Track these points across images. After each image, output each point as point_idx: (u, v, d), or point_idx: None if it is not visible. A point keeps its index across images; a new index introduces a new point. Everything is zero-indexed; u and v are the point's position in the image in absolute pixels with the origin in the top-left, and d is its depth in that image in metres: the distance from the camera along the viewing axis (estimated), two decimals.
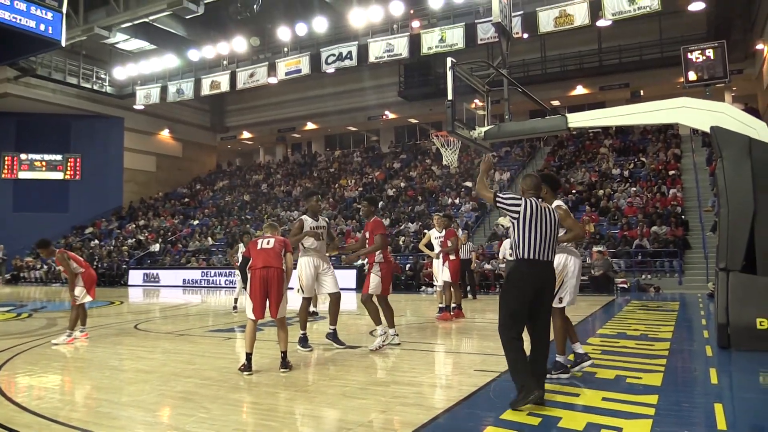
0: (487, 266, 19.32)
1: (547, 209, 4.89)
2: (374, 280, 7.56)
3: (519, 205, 4.79)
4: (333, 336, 7.76)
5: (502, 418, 4.34)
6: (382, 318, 7.53)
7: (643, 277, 18.00)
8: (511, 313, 4.67)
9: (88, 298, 8.87)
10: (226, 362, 6.91)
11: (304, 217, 7.72)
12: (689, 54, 9.26)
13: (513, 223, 4.81)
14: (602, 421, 3.90)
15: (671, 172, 23.15)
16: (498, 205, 4.92)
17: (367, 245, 7.71)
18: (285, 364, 6.27)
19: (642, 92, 27.66)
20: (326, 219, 8.01)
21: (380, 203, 28.10)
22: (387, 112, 34.73)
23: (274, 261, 6.38)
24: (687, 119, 8.35)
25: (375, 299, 7.58)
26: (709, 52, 9.22)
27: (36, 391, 5.68)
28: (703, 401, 4.97)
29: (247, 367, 6.14)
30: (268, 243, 6.49)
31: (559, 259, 5.58)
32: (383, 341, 7.40)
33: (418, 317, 11.87)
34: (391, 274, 7.82)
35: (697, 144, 24.63)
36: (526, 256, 4.71)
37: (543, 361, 4.80)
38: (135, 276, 27.45)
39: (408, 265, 21.49)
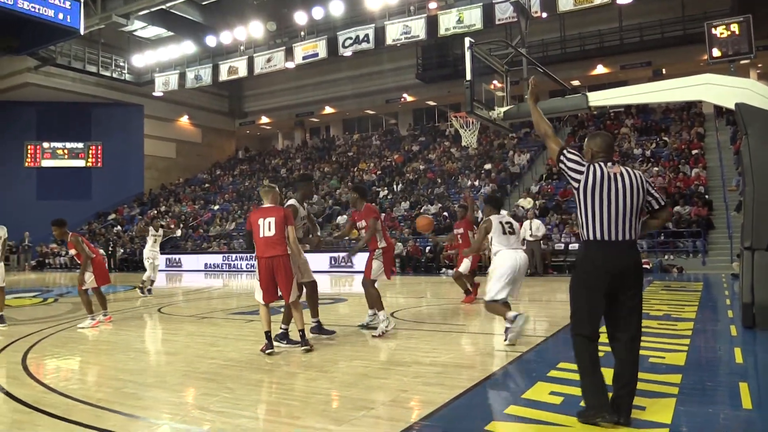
0: None
1: (624, 174, 3.78)
2: (377, 265, 7.46)
3: (581, 172, 3.78)
4: (318, 328, 7.18)
5: (524, 397, 4.34)
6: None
7: (666, 257, 17.81)
8: (578, 308, 3.79)
9: (93, 285, 8.87)
10: (248, 344, 6.98)
11: (295, 203, 7.05)
12: (713, 30, 9.08)
13: (575, 194, 3.87)
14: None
15: (694, 152, 22.77)
16: (560, 165, 3.92)
17: (362, 233, 7.53)
18: (305, 343, 6.29)
19: (664, 70, 27.16)
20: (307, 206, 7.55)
21: (399, 186, 28.08)
22: (405, 95, 34.54)
23: (278, 248, 6.27)
24: (711, 96, 8.19)
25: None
26: (734, 28, 9.04)
27: (63, 373, 5.80)
28: (728, 380, 4.92)
29: (269, 345, 6.19)
30: (269, 228, 6.26)
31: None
32: (386, 326, 7.22)
33: (438, 300, 11.88)
34: (392, 258, 7.80)
35: (720, 123, 24.21)
36: (593, 236, 3.73)
37: (629, 377, 3.75)
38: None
39: (428, 248, 21.48)
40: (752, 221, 7.20)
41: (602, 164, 3.80)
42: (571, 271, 3.88)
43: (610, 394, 3.72)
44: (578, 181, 3.78)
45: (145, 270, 14.06)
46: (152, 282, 14.04)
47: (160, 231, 14.65)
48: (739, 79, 7.98)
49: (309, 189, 7.57)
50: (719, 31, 9.15)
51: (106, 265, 9.53)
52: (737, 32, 9.02)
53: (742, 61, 9.51)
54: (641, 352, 3.89)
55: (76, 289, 8.77)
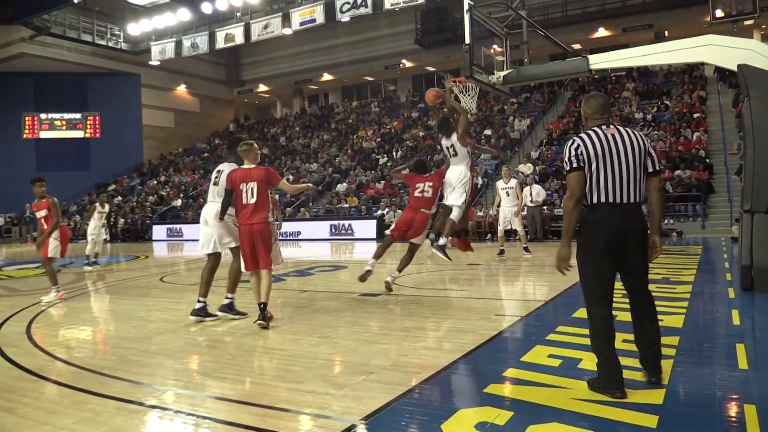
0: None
1: (624, 134, 3.72)
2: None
3: (579, 152, 3.69)
4: (228, 307, 6.62)
5: (523, 360, 4.39)
6: None
7: (666, 221, 17.82)
8: (589, 276, 3.72)
9: (58, 254, 8.61)
10: (250, 311, 7.03)
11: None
12: None
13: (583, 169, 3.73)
14: (623, 362, 3.91)
15: (696, 115, 22.62)
16: (572, 171, 3.73)
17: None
18: (263, 317, 5.87)
19: (666, 33, 26.80)
20: None
21: (398, 153, 27.97)
22: (404, 61, 34.19)
23: (258, 215, 5.98)
24: (713, 57, 8.11)
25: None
26: None
27: (67, 342, 5.86)
28: (725, 341, 4.97)
29: (262, 316, 5.90)
30: (251, 195, 5.96)
31: None
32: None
33: (439, 266, 11.93)
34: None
35: (723, 86, 23.99)
36: (596, 199, 3.67)
37: (652, 335, 3.76)
38: (159, 231, 27.87)
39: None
40: (752, 184, 7.18)
41: (596, 128, 3.75)
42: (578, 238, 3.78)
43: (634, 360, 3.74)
44: (583, 160, 3.68)
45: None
46: (96, 255, 14.07)
47: (106, 207, 14.80)
48: (742, 40, 7.88)
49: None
50: None
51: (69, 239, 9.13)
52: None
53: (746, 22, 9.38)
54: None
55: (78, 259, 8.79)
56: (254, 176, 6.00)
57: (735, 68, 7.54)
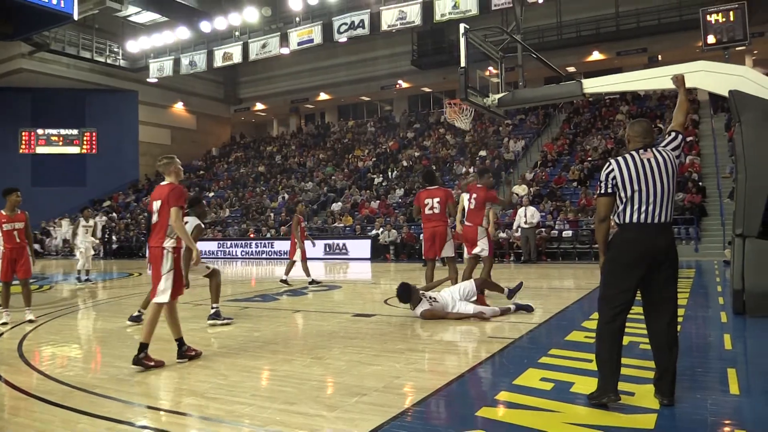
0: (502, 235, 19.30)
1: (658, 157, 3.88)
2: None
3: (612, 177, 3.89)
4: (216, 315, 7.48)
5: (516, 383, 4.38)
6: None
7: None
8: (609, 286, 3.87)
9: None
10: (242, 330, 7.01)
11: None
12: (708, 16, 9.04)
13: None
14: (620, 387, 3.93)
15: (689, 139, 22.74)
16: (602, 196, 3.99)
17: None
18: (182, 354, 5.47)
19: (660, 57, 27.16)
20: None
21: (394, 173, 28.06)
22: (400, 81, 34.45)
23: (155, 237, 5.38)
24: (705, 83, 8.18)
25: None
26: (729, 14, 9.00)
27: (58, 360, 5.82)
28: (717, 366, 4.97)
29: (181, 352, 5.45)
30: (157, 212, 5.41)
31: None
32: None
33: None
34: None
35: (716, 112, 24.23)
36: (629, 219, 3.84)
37: (667, 362, 3.81)
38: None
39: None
40: (744, 208, 7.24)
41: (633, 152, 3.92)
42: (603, 257, 4.00)
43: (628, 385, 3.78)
44: (614, 184, 3.89)
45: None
46: (88, 272, 14.06)
47: (90, 221, 14.78)
48: (733, 66, 7.98)
49: (203, 210, 7.90)
50: (714, 18, 9.11)
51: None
52: (732, 19, 8.97)
53: (737, 48, 9.47)
54: (634, 338, 3.96)
55: (72, 275, 8.69)
56: (161, 194, 5.43)
57: (726, 94, 7.64)
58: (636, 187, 3.81)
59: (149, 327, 5.33)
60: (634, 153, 3.92)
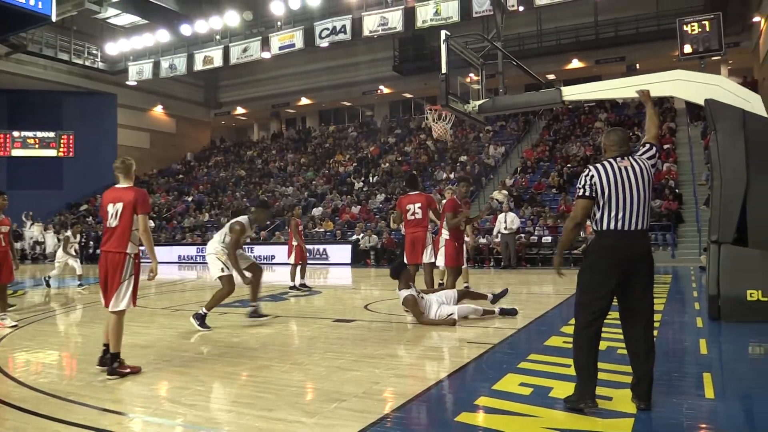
0: (482, 240, 19.39)
1: (635, 165, 3.96)
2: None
3: (593, 183, 3.92)
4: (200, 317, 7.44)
5: (495, 388, 4.40)
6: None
7: None
8: (586, 292, 3.90)
9: None
10: (222, 336, 6.96)
11: (246, 223, 7.62)
12: (685, 26, 9.18)
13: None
14: (598, 391, 3.97)
15: (666, 146, 23.11)
16: (582, 198, 3.99)
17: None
18: (104, 361, 5.15)
19: (638, 65, 27.50)
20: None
21: (375, 178, 28.08)
22: (381, 87, 34.51)
23: (116, 242, 5.17)
24: (681, 92, 8.32)
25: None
26: (705, 25, 9.15)
27: (33, 367, 5.73)
28: (693, 371, 5.04)
29: (102, 360, 5.17)
30: (115, 216, 5.17)
31: None
32: None
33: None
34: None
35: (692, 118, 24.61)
36: (606, 226, 3.89)
37: (644, 368, 3.87)
38: None
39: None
40: (719, 215, 7.36)
41: (611, 160, 3.99)
42: (581, 262, 4.06)
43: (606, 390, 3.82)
44: (595, 190, 3.91)
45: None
46: (80, 276, 13.96)
47: (78, 237, 15.31)
48: (709, 76, 8.11)
49: (266, 216, 8.14)
50: (691, 28, 9.26)
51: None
52: (708, 29, 9.13)
53: (713, 58, 9.64)
54: (611, 343, 4.01)
55: (43, 281, 8.55)
56: (123, 197, 5.23)
57: (703, 102, 7.76)
58: (614, 194, 3.87)
59: (116, 336, 5.19)
60: (611, 161, 3.99)
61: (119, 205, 5.17)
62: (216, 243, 7.60)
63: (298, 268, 12.62)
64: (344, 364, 5.34)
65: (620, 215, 3.86)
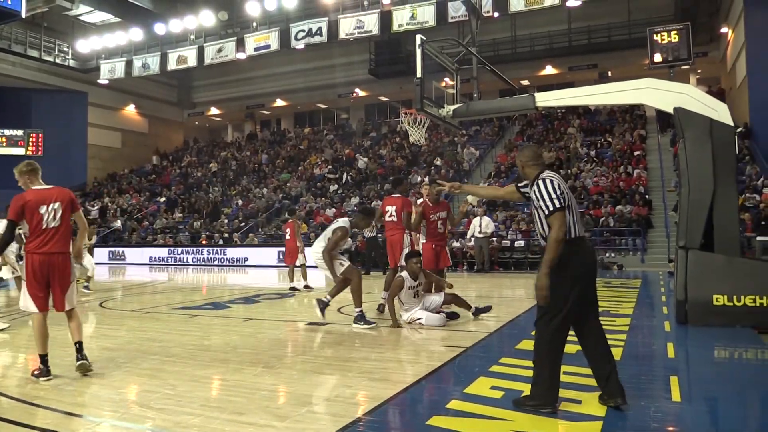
0: (456, 244, 19.48)
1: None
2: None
3: (562, 192, 3.97)
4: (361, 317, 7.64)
5: (466, 392, 4.42)
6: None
7: (607, 255, 18.35)
8: (564, 299, 3.90)
9: None
10: (192, 339, 6.88)
11: (347, 227, 7.74)
12: (655, 35, 9.35)
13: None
14: (563, 394, 4.01)
15: (636, 153, 23.53)
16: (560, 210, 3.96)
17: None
18: (82, 357, 5.11)
19: (610, 73, 27.95)
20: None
21: (349, 181, 28.06)
22: (357, 90, 34.50)
23: (60, 244, 5.12)
24: (651, 100, 8.47)
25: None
26: (674, 34, 9.33)
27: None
28: (660, 374, 5.13)
29: (44, 371, 5.00)
30: (54, 218, 5.09)
31: None
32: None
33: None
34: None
35: (661, 126, 25.06)
36: (575, 233, 3.99)
37: (609, 367, 3.98)
38: (100, 254, 26.93)
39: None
40: (686, 221, 7.51)
41: (550, 172, 4.09)
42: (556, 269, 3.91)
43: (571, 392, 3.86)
44: (565, 198, 3.97)
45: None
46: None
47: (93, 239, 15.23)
48: (678, 84, 8.27)
49: (367, 223, 8.24)
50: (660, 37, 9.43)
51: None
52: (677, 39, 9.31)
53: (682, 67, 9.83)
54: (579, 347, 4.06)
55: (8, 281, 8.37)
56: (57, 197, 5.17)
57: (672, 110, 7.91)
58: (572, 202, 4.03)
59: (41, 338, 5.12)
60: (552, 172, 4.11)
61: (56, 205, 5.13)
62: (319, 246, 7.73)
63: (296, 269, 13.33)
64: (316, 368, 5.32)
65: (578, 223, 4.02)
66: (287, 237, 13.29)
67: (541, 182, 4.02)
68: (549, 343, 3.94)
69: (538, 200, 4.01)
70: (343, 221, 7.81)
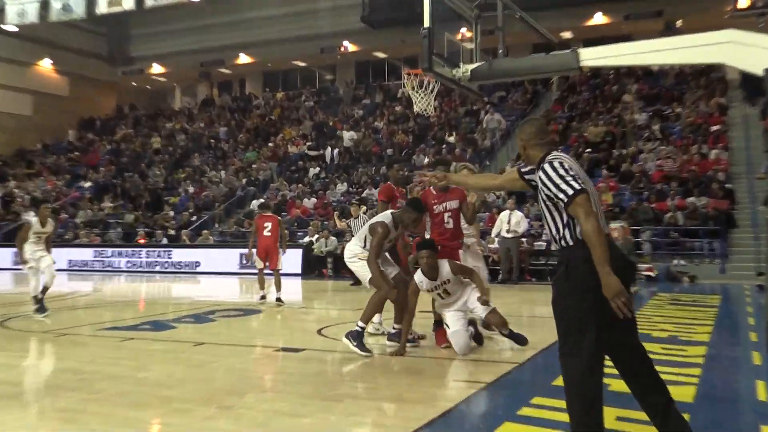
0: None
1: None
2: None
3: (574, 172, 3.77)
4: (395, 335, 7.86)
5: None
6: None
7: (675, 262, 18.33)
8: (586, 328, 3.70)
9: None
10: (124, 369, 6.84)
11: (390, 224, 7.67)
12: None
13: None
14: None
15: (714, 128, 23.43)
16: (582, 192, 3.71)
17: None
18: None
19: (679, 23, 27.90)
20: None
21: (334, 162, 28.04)
22: (346, 43, 34.50)
23: None
24: (735, 58, 8.44)
25: None
26: None
27: None
28: (748, 422, 5.09)
29: None
30: None
31: None
32: None
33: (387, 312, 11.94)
34: None
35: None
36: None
37: (662, 393, 3.83)
38: (2, 255, 26.79)
39: None
40: None
41: (558, 152, 3.90)
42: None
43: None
44: (578, 180, 3.73)
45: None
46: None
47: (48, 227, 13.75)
48: None
49: (415, 219, 7.85)
50: None
51: None
52: None
53: None
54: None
55: None
56: None
57: (762, 73, 7.86)
58: (591, 190, 3.78)
59: None
60: (560, 152, 3.93)
61: None
62: (354, 246, 7.86)
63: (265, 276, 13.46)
64: (288, 408, 5.29)
65: (600, 215, 3.74)
66: (267, 233, 13.06)
67: (547, 165, 3.81)
68: (580, 384, 3.71)
69: (548, 189, 3.78)
70: (384, 216, 7.72)
